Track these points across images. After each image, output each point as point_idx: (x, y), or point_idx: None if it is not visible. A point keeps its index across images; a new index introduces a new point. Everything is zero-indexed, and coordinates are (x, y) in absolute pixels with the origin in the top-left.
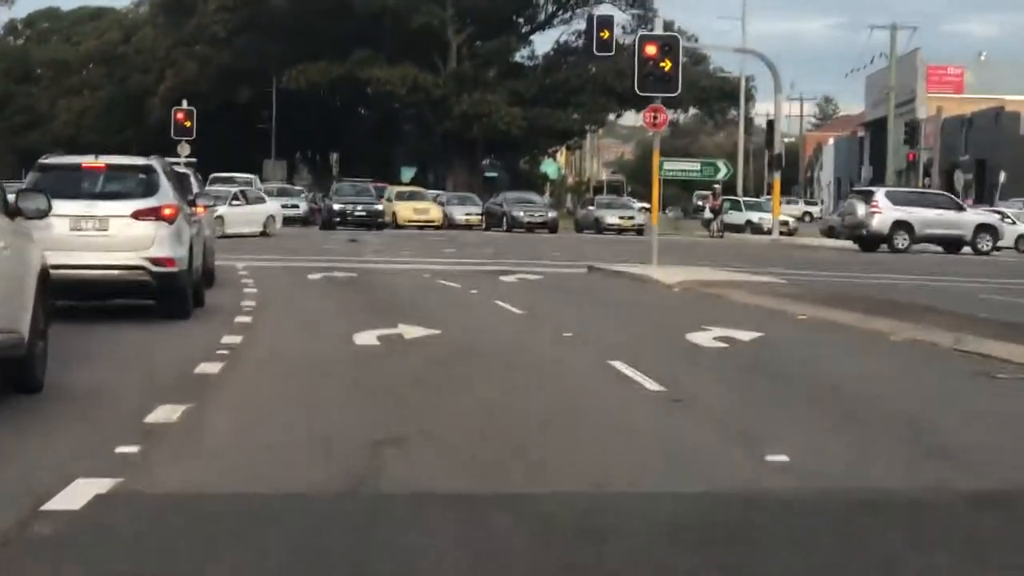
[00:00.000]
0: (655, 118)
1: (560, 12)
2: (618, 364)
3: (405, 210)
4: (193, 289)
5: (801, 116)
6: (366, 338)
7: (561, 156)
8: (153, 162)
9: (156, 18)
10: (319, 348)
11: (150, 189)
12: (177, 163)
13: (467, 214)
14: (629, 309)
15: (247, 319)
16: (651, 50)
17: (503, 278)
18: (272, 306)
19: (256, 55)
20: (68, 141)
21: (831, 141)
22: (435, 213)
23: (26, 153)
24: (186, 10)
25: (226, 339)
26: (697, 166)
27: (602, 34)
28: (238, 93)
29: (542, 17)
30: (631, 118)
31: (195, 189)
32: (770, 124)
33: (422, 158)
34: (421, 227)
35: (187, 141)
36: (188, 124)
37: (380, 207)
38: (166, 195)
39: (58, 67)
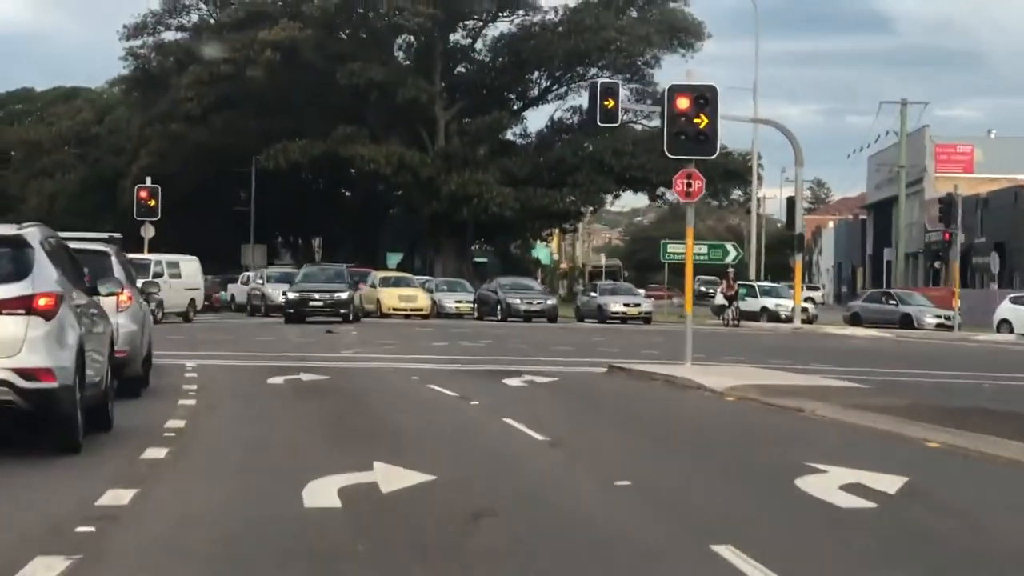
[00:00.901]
0: (689, 185)
1: (554, 87)
2: (729, 552)
3: (390, 297)
4: (100, 407)
5: (799, 196)
6: (323, 492)
7: (552, 241)
8: (27, 232)
9: (128, 95)
10: (247, 513)
11: (21, 270)
12: (94, 239)
13: (458, 302)
14: (686, 433)
15: (160, 452)
16: (683, 103)
17: (508, 381)
18: (204, 429)
19: (233, 133)
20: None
21: (831, 224)
22: (423, 301)
23: None
24: (159, 86)
25: (107, 497)
26: (704, 249)
27: (606, 103)
28: (214, 173)
29: (535, 92)
30: (620, 202)
31: (115, 271)
32: (790, 202)
33: (409, 242)
34: (407, 316)
35: (151, 222)
36: (152, 203)
37: (345, 296)
38: (45, 279)
39: (30, 148)
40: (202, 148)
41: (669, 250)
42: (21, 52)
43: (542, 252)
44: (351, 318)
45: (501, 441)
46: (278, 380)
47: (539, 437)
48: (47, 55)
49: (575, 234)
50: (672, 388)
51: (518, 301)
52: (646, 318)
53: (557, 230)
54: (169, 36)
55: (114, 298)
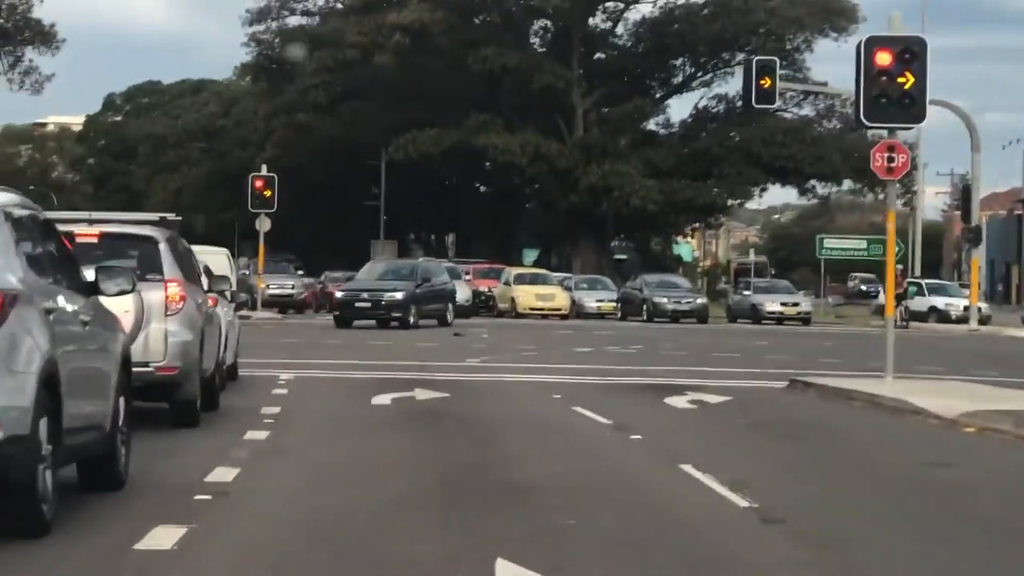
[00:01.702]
0: (890, 160)
1: (699, 74)
2: None
3: (526, 296)
4: (104, 460)
5: (976, 185)
6: None
7: (693, 237)
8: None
9: (253, 83)
10: None
11: None
12: (140, 222)
13: (599, 301)
14: (959, 498)
15: (170, 537)
16: (884, 59)
17: (672, 401)
18: (256, 491)
19: (362, 124)
20: None
21: (983, 220)
22: (561, 300)
23: None
24: (284, 74)
25: None
26: (863, 244)
27: (763, 82)
28: (343, 167)
29: (678, 80)
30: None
31: (165, 264)
32: (966, 190)
33: (546, 238)
34: (544, 316)
35: (267, 214)
36: (268, 194)
37: (400, 296)
38: None
39: (155, 142)
40: (330, 140)
41: (826, 246)
42: (152, 46)
43: (684, 249)
44: (411, 322)
45: (684, 502)
46: (385, 399)
47: (740, 502)
48: (176, 49)
49: (718, 229)
50: (882, 413)
51: (665, 300)
52: (805, 319)
53: (701, 225)
54: (294, 21)
55: (162, 297)
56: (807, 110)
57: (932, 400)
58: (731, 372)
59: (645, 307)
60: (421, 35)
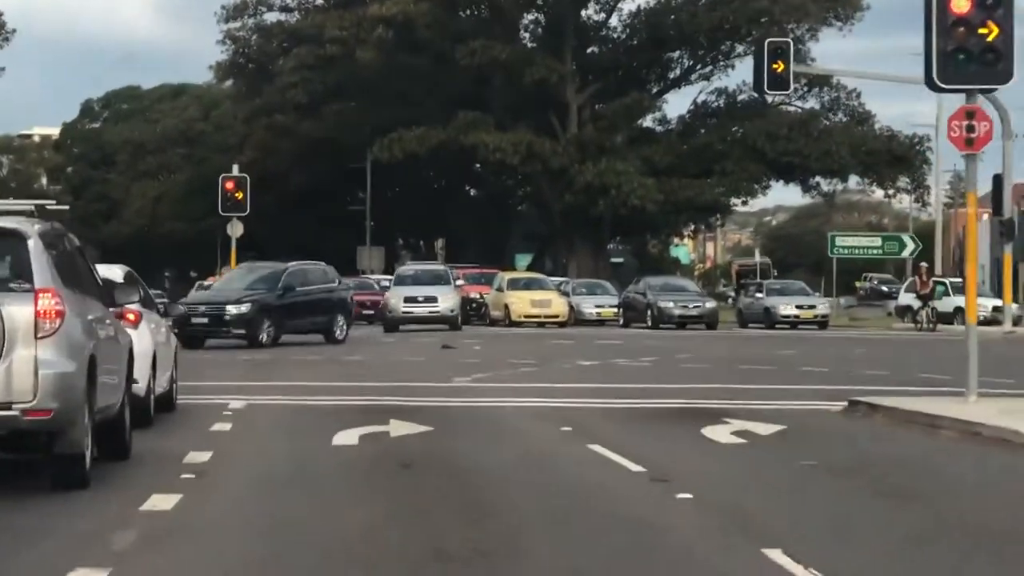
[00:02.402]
0: (970, 129)
1: (697, 67)
2: None
3: (520, 303)
4: None
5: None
6: None
7: (690, 239)
8: None
9: (229, 83)
10: None
11: None
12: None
13: (599, 306)
14: None
15: None
16: (961, 5)
17: (711, 433)
18: None
19: (345, 125)
20: (142, 231)
21: (984, 218)
22: (559, 306)
23: (104, 246)
24: (262, 74)
25: None
26: (877, 241)
27: (775, 66)
28: (327, 170)
29: (676, 73)
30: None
31: (36, 267)
32: (997, 180)
33: (539, 242)
34: (541, 324)
35: (240, 218)
36: (240, 196)
37: (247, 309)
38: None
39: (133, 148)
40: (312, 142)
41: (838, 244)
42: (135, 52)
43: (680, 251)
44: (261, 340)
45: None
46: (351, 437)
47: None
48: (161, 57)
49: (720, 230)
50: (989, 447)
51: (672, 305)
52: (822, 322)
53: (702, 225)
54: (272, 17)
55: (30, 312)
56: (812, 103)
57: None
58: (769, 390)
59: (649, 312)
60: (405, 28)
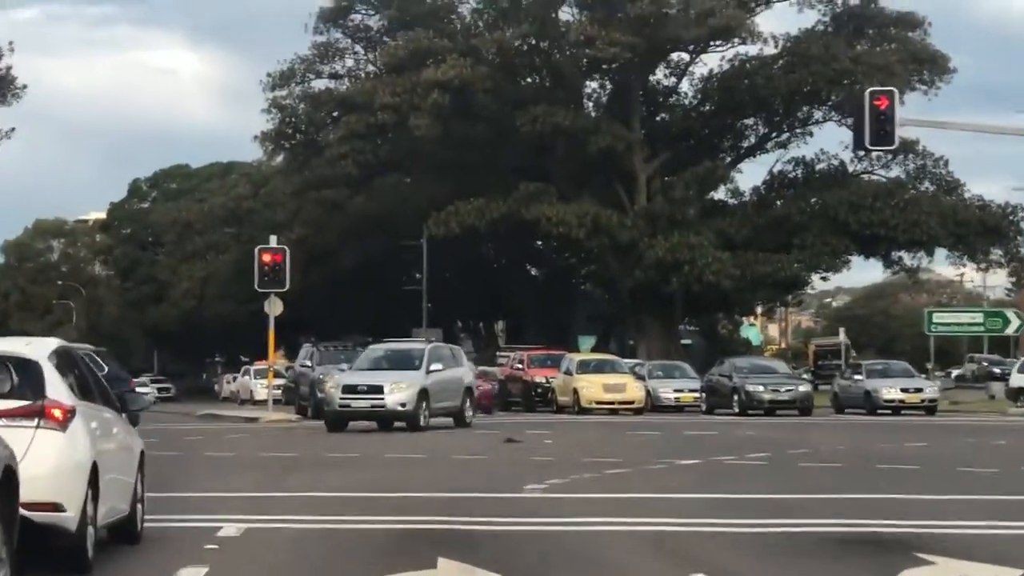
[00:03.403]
0: None
1: (773, 134)
2: None
3: (592, 387)
4: None
5: None
6: None
7: (767, 317)
8: None
9: (279, 161)
10: None
11: None
12: None
13: (678, 391)
14: None
15: None
16: None
17: None
18: None
19: (398, 200)
20: (190, 313)
21: None
22: (634, 391)
23: (153, 330)
24: (311, 145)
25: None
26: (978, 318)
27: (878, 104)
28: (379, 247)
29: (751, 141)
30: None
31: None
32: None
33: (603, 323)
34: (614, 410)
35: (279, 294)
36: (278, 271)
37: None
38: None
39: (181, 228)
40: (364, 217)
41: (935, 321)
42: (188, 138)
43: (751, 331)
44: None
45: None
46: None
47: None
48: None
49: (781, 310)
50: None
51: (761, 388)
52: (930, 407)
53: (777, 304)
54: (320, 84)
55: None
56: (896, 171)
57: None
58: (945, 503)
59: (736, 397)
60: (461, 94)
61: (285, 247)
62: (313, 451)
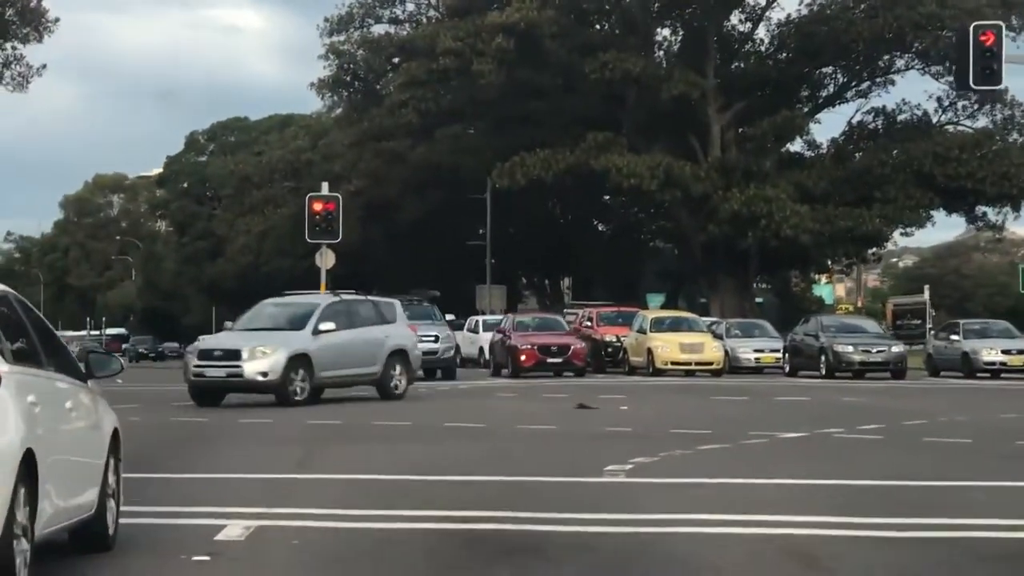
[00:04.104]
0: None
1: (853, 83)
2: None
3: (668, 347)
4: None
5: None
6: None
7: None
8: None
9: (339, 113)
10: None
11: None
12: None
13: (758, 351)
14: None
15: None
16: None
17: None
18: None
19: (461, 150)
20: (247, 269)
21: None
22: (712, 351)
23: (210, 287)
24: (371, 94)
25: None
26: None
27: (983, 40)
28: (441, 200)
29: (829, 91)
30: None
31: None
32: None
33: (673, 280)
34: (690, 371)
35: (331, 246)
36: (330, 220)
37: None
38: None
39: (238, 182)
40: (425, 169)
41: None
42: (243, 86)
43: (825, 290)
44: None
45: None
46: None
47: None
48: (268, 89)
49: (876, 264)
50: None
51: (851, 349)
52: None
53: (855, 260)
54: (380, 30)
55: None
56: (982, 122)
57: None
58: None
59: (824, 358)
60: (527, 39)
61: (338, 195)
62: (363, 418)
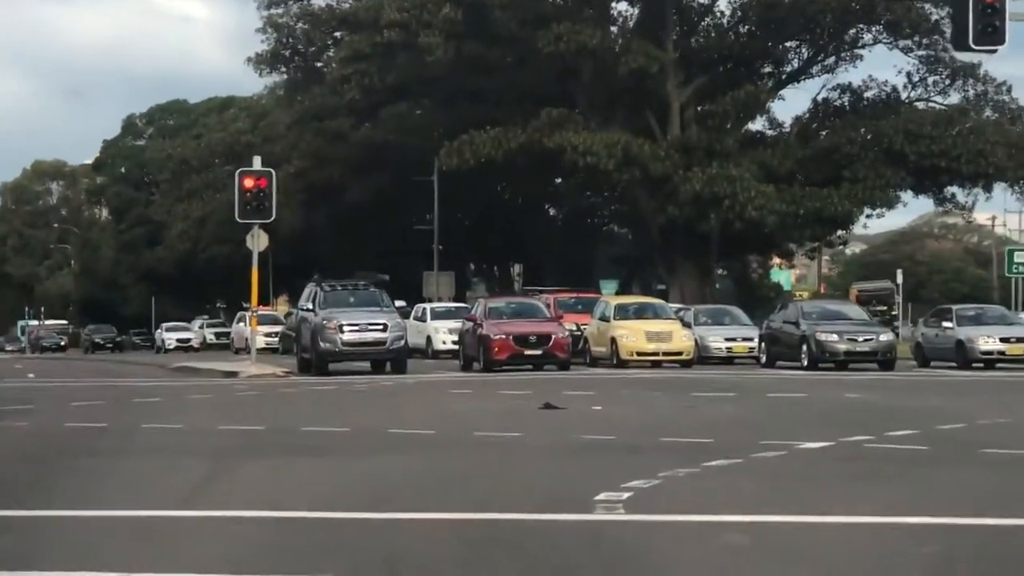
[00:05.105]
0: None
1: (819, 57)
2: None
3: (633, 336)
4: None
5: None
6: None
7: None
8: None
9: (281, 95)
10: None
11: None
12: None
13: (730, 339)
14: None
15: None
16: None
17: None
18: None
19: (407, 129)
20: (186, 256)
21: None
22: (682, 340)
23: (149, 275)
24: (311, 72)
25: None
26: None
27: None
28: (387, 182)
29: (794, 65)
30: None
31: None
32: None
33: (628, 265)
34: (657, 363)
35: (264, 226)
36: (263, 198)
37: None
38: None
39: (176, 166)
40: (369, 149)
41: (1016, 261)
42: (186, 74)
43: (783, 276)
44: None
45: None
46: None
47: None
48: (212, 77)
49: (843, 247)
50: None
51: (835, 338)
52: None
53: (819, 244)
54: (320, 2)
55: None
56: (954, 97)
57: None
58: None
59: (805, 348)
60: (476, 10)
61: (271, 170)
62: (293, 422)
